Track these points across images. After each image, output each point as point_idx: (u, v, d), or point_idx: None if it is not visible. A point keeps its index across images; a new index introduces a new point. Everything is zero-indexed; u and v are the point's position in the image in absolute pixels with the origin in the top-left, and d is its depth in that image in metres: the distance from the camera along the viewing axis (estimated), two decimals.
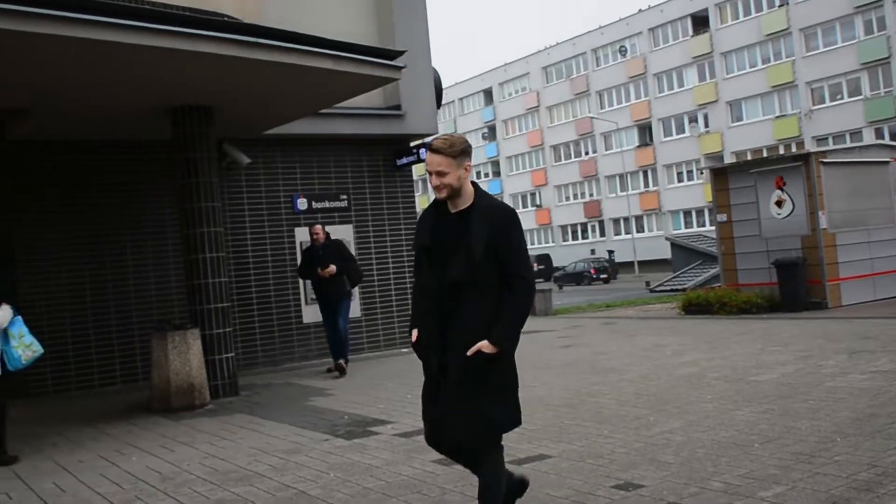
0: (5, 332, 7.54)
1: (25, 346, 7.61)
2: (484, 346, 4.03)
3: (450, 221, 4.24)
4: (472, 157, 4.21)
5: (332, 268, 11.75)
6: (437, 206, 4.33)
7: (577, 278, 52.42)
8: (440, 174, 4.13)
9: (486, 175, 79.63)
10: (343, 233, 14.24)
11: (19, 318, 7.69)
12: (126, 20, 7.98)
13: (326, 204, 14.53)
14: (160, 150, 12.20)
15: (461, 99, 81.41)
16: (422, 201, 79.15)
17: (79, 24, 7.66)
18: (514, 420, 4.24)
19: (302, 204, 14.27)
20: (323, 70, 9.84)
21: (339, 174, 14.75)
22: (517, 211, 4.85)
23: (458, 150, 4.14)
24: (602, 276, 52.35)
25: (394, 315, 15.04)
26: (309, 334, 14.11)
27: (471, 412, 4.07)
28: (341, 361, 12.04)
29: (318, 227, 12.13)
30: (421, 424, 4.04)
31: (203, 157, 10.88)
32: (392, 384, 10.77)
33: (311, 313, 13.79)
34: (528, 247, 4.75)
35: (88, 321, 12.29)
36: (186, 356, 10.05)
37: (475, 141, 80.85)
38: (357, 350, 14.29)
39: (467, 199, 4.21)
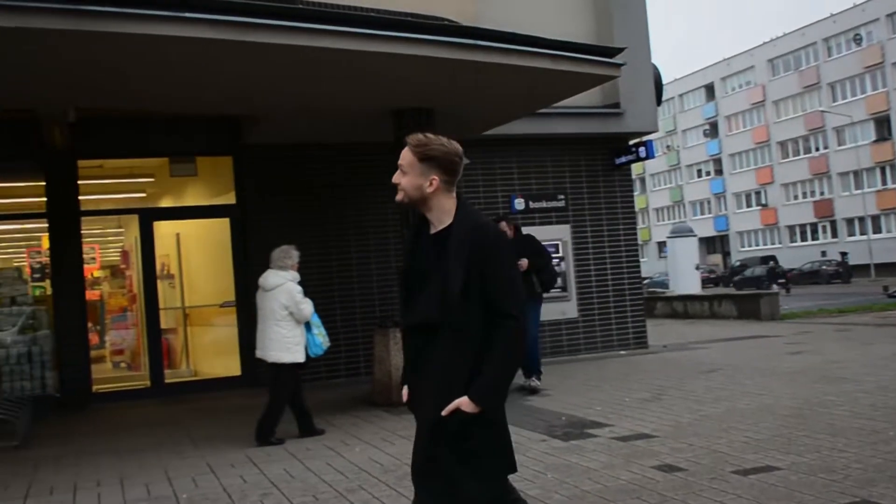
0: (307, 322, 8.50)
1: (323, 336, 8.64)
2: (463, 404, 3.27)
3: (427, 244, 3.50)
4: (448, 172, 3.50)
5: (524, 261, 10.18)
6: (421, 223, 3.59)
7: (756, 283, 49.71)
8: (400, 171, 3.48)
9: (708, 173, 77.21)
10: (560, 233, 14.28)
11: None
12: (361, 28, 8.27)
13: (544, 204, 14.53)
14: (383, 151, 12.58)
15: (681, 95, 79.32)
16: (640, 201, 77.81)
17: (316, 34, 8.01)
18: (495, 497, 3.43)
19: (520, 204, 14.34)
20: (541, 70, 9.81)
21: (556, 174, 14.72)
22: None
23: (424, 154, 3.43)
24: (780, 281, 48.94)
25: (611, 316, 14.83)
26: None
27: (441, 481, 3.34)
28: (533, 381, 10.52)
29: (503, 223, 10.34)
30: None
31: None
32: (609, 387, 10.62)
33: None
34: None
35: None
36: None
37: (695, 138, 78.59)
38: (574, 351, 14.28)
39: (445, 218, 3.46)
